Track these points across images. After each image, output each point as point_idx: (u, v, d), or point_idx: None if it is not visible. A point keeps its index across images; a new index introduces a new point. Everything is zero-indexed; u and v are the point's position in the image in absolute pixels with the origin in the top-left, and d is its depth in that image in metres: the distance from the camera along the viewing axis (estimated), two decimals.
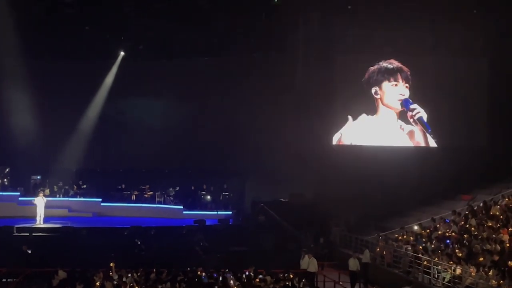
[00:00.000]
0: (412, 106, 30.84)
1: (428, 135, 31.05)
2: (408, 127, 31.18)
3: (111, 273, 18.60)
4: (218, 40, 32.37)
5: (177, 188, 33.23)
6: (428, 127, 30.98)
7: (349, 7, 30.66)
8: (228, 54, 32.79)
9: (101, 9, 30.21)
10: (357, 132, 31.43)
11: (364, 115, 31.19)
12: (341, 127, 31.48)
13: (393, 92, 31.31)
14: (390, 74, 31.28)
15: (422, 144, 31.16)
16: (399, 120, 31.27)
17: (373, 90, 31.24)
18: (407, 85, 31.24)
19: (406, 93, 31.19)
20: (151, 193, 32.75)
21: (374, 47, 31.27)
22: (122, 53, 33.77)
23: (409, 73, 31.21)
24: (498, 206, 24.01)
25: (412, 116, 30.92)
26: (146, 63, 33.62)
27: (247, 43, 32.21)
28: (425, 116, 30.93)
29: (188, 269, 19.42)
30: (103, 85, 34.07)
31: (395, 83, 31.26)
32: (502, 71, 30.94)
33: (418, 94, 31.24)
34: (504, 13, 30.05)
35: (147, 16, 30.56)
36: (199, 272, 19.11)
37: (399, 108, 31.16)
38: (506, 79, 30.76)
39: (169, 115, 34.32)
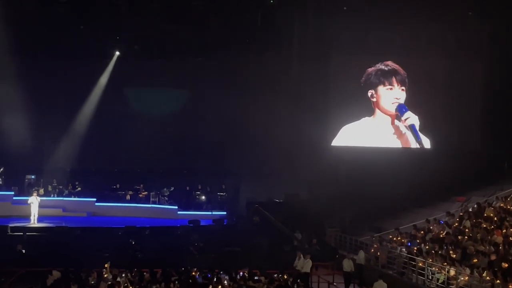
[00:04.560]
0: (406, 114, 30.81)
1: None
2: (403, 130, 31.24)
3: (105, 273, 18.58)
4: (213, 40, 32.30)
5: (172, 188, 33.11)
6: (418, 136, 30.95)
7: (345, 8, 30.71)
8: (223, 54, 32.75)
9: (96, 8, 30.18)
10: (355, 134, 31.49)
11: (364, 118, 31.30)
12: (336, 128, 31.57)
13: (388, 96, 31.29)
14: (385, 77, 31.26)
15: (413, 146, 31.25)
16: (395, 123, 31.29)
17: (369, 93, 31.29)
18: (403, 88, 31.20)
19: (401, 97, 31.15)
20: (145, 193, 32.64)
21: (369, 48, 31.32)
22: (117, 53, 33.66)
23: (405, 75, 31.21)
24: (492, 208, 24.09)
25: (404, 122, 31.03)
26: (142, 63, 33.50)
27: (242, 43, 32.19)
28: (417, 124, 30.92)
29: (183, 269, 19.37)
30: (98, 84, 33.95)
31: (390, 87, 31.25)
32: (496, 73, 31.04)
33: (411, 96, 31.32)
34: (498, 15, 30.17)
35: (142, 16, 30.52)
36: (193, 273, 19.07)
37: (393, 112, 31.16)
38: (500, 81, 30.87)
39: (163, 115, 34.21)
